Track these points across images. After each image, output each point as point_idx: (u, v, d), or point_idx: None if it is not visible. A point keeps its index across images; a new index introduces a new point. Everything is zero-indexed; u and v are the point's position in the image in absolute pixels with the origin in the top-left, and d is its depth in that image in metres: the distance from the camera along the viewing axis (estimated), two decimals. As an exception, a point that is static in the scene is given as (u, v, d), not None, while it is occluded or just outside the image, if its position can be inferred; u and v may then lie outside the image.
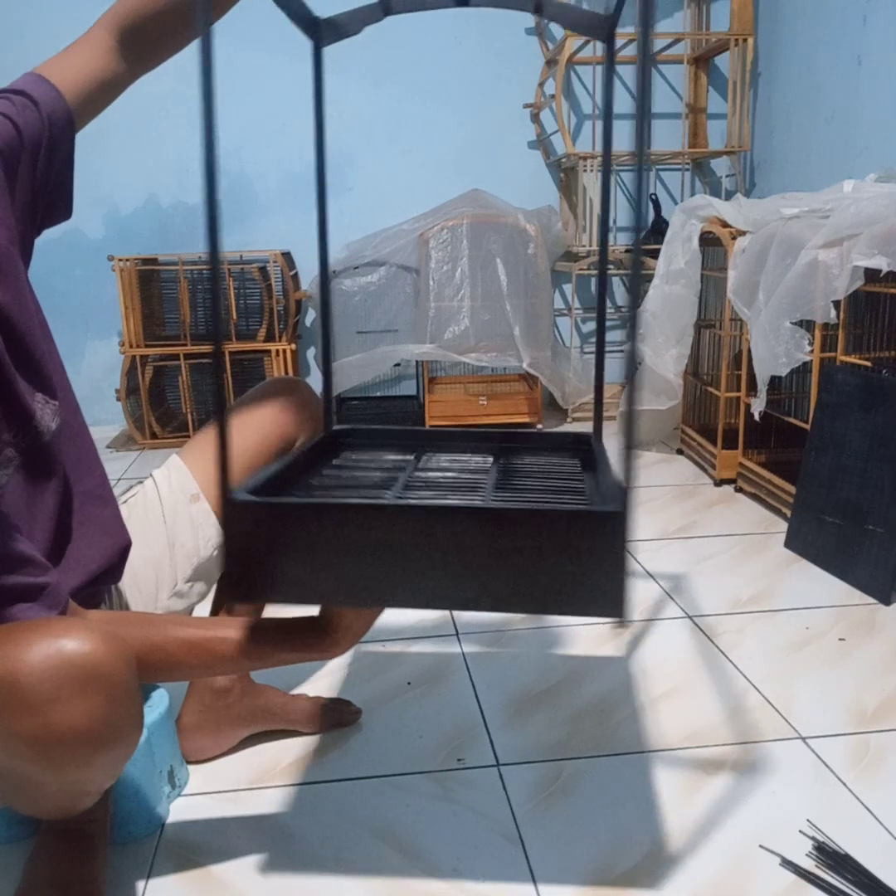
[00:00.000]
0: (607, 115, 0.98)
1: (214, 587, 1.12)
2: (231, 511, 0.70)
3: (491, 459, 0.98)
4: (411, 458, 0.98)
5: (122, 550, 0.95)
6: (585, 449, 1.01)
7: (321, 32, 0.91)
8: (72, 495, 0.88)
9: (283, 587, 0.71)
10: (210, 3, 0.62)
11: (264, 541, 0.70)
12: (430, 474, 0.91)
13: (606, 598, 0.71)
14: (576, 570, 0.70)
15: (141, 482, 1.10)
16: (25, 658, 0.65)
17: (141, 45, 0.89)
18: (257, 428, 1.08)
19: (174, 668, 0.81)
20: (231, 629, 0.81)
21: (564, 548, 0.70)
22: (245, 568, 0.71)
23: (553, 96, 2.95)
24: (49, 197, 0.87)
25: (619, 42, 3.00)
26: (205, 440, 1.11)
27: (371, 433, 1.04)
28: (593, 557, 0.70)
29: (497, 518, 0.70)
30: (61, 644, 0.66)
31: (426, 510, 0.71)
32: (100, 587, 0.93)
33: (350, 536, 0.70)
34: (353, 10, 0.89)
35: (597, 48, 3.01)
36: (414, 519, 0.70)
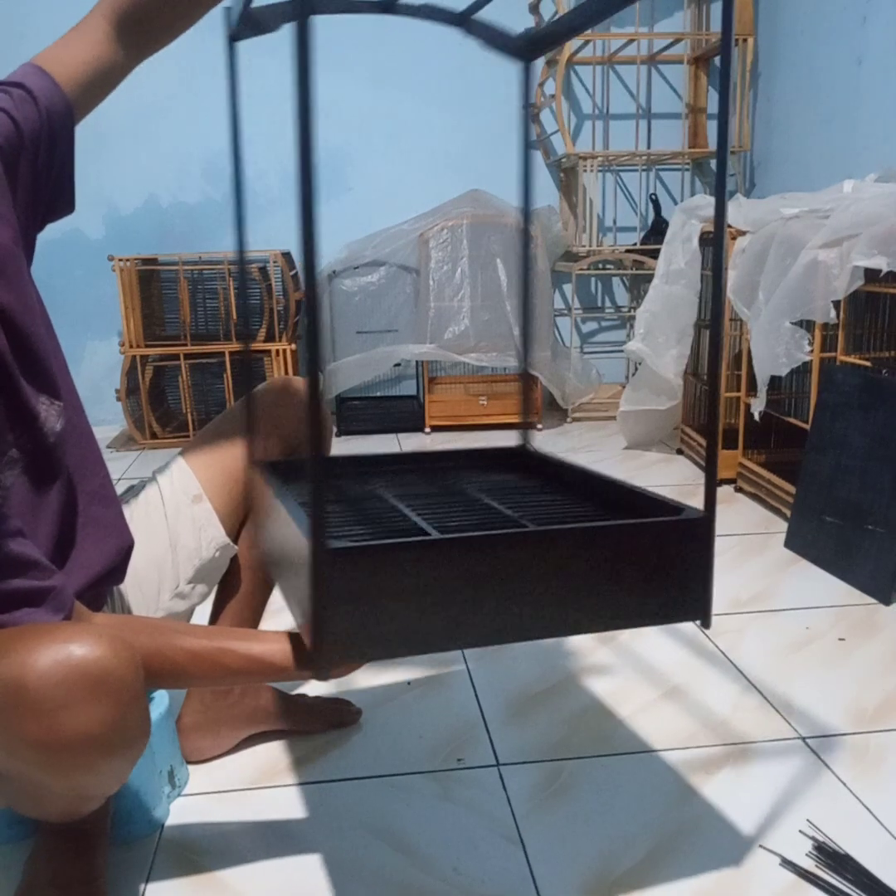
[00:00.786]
0: (525, 137, 0.98)
1: (215, 589, 1.11)
2: (327, 561, 0.62)
3: (450, 482, 0.97)
4: (368, 487, 0.95)
5: (126, 550, 0.95)
6: (528, 459, 1.03)
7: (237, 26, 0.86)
8: (76, 496, 0.88)
9: (392, 639, 0.65)
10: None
11: (368, 591, 0.64)
12: (420, 502, 0.88)
13: (693, 603, 0.74)
14: (666, 578, 0.72)
15: (143, 482, 1.09)
16: (34, 663, 0.64)
17: (138, 33, 0.88)
18: (259, 428, 1.08)
19: (177, 677, 0.80)
20: (238, 642, 0.80)
21: (658, 558, 0.72)
22: (347, 625, 0.63)
23: (553, 96, 2.95)
24: (51, 191, 0.85)
25: (618, 42, 3.00)
26: (208, 440, 1.10)
27: (293, 464, 0.99)
28: (683, 564, 0.72)
29: (597, 535, 0.70)
30: (70, 649, 0.65)
31: (537, 535, 0.70)
32: (103, 588, 0.93)
33: (461, 572, 0.66)
34: (273, 4, 0.84)
35: (597, 48, 3.02)
36: (525, 546, 0.68)
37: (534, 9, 3.03)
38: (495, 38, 0.93)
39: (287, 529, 0.72)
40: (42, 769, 0.67)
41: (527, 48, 0.93)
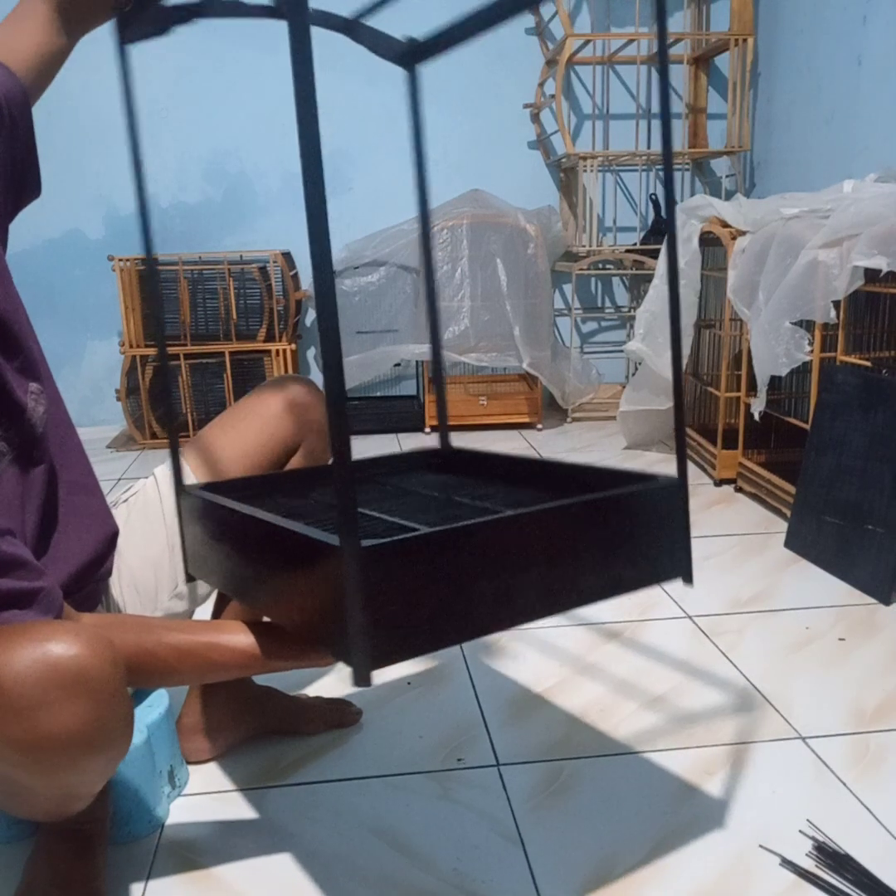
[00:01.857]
0: (418, 142, 0.99)
1: (216, 589, 1.11)
2: (362, 560, 0.60)
3: (392, 486, 0.98)
4: (308, 499, 0.94)
5: (110, 539, 0.95)
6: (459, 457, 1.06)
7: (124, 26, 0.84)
8: (58, 486, 0.87)
9: (434, 634, 0.65)
10: None
11: (403, 586, 0.62)
12: (376, 505, 0.89)
13: (676, 563, 0.79)
14: (653, 541, 0.77)
15: (142, 481, 1.09)
16: (10, 663, 0.64)
17: (76, 12, 0.88)
18: (261, 427, 1.07)
19: (167, 674, 0.79)
20: (225, 636, 0.80)
21: (646, 523, 0.76)
22: (391, 625, 0.62)
23: (553, 96, 2.95)
24: (18, 178, 0.85)
25: (618, 42, 3.00)
26: (207, 440, 1.10)
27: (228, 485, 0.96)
28: (666, 527, 0.78)
29: (600, 506, 0.74)
30: (47, 648, 0.65)
31: (555, 511, 0.70)
32: (90, 579, 0.92)
33: (487, 557, 0.66)
34: (162, 6, 0.81)
35: (597, 48, 3.01)
36: (543, 523, 0.69)
37: (534, 8, 3.03)
38: (380, 45, 0.94)
39: (287, 538, 0.70)
40: (24, 769, 0.67)
41: (410, 56, 0.95)
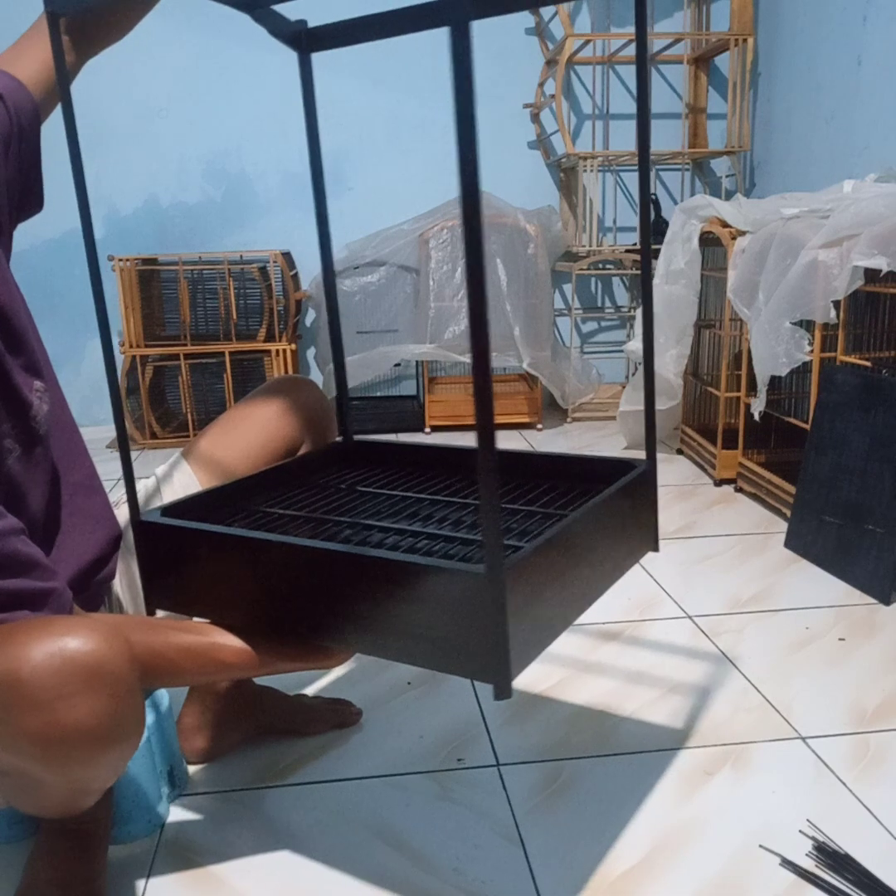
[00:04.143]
0: (312, 130, 1.01)
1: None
2: (506, 582, 0.63)
3: (370, 488, 1.02)
4: (295, 511, 0.94)
5: (113, 540, 0.95)
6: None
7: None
8: (61, 487, 0.88)
9: (546, 630, 0.71)
10: None
11: (529, 596, 0.68)
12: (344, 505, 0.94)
13: (649, 537, 0.91)
14: (634, 521, 0.87)
15: (143, 483, 1.09)
16: (28, 656, 0.65)
17: (85, 35, 0.90)
18: (263, 427, 1.08)
19: (174, 674, 0.80)
20: (231, 636, 0.80)
21: (631, 507, 0.86)
22: (521, 635, 0.67)
23: (553, 96, 2.95)
24: (21, 190, 0.87)
25: (618, 42, 3.00)
26: (209, 441, 1.10)
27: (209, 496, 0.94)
28: (641, 506, 0.89)
29: (618, 498, 0.83)
30: (64, 642, 0.65)
31: (602, 504, 0.80)
32: (93, 579, 0.93)
33: (569, 553, 0.74)
34: None
35: (597, 48, 3.01)
36: (594, 515, 0.79)
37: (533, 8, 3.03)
38: (277, 27, 0.96)
39: (403, 570, 0.69)
40: (39, 762, 0.67)
41: (305, 41, 0.96)
